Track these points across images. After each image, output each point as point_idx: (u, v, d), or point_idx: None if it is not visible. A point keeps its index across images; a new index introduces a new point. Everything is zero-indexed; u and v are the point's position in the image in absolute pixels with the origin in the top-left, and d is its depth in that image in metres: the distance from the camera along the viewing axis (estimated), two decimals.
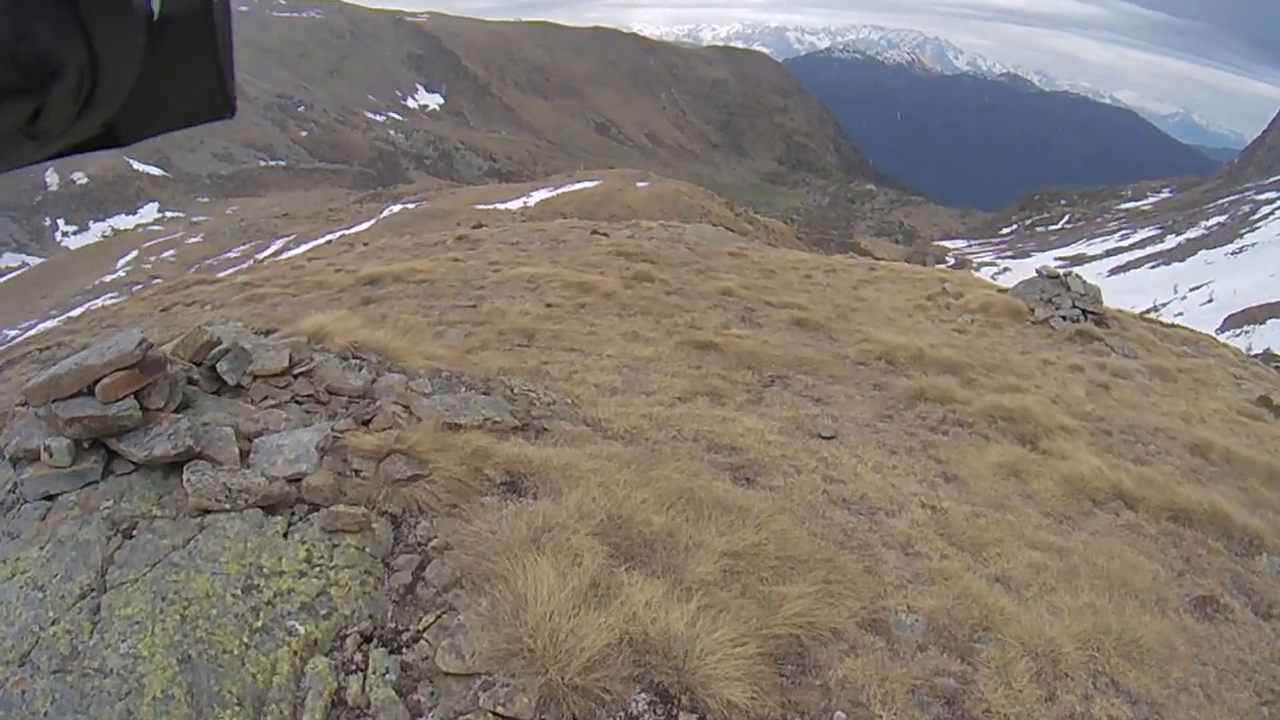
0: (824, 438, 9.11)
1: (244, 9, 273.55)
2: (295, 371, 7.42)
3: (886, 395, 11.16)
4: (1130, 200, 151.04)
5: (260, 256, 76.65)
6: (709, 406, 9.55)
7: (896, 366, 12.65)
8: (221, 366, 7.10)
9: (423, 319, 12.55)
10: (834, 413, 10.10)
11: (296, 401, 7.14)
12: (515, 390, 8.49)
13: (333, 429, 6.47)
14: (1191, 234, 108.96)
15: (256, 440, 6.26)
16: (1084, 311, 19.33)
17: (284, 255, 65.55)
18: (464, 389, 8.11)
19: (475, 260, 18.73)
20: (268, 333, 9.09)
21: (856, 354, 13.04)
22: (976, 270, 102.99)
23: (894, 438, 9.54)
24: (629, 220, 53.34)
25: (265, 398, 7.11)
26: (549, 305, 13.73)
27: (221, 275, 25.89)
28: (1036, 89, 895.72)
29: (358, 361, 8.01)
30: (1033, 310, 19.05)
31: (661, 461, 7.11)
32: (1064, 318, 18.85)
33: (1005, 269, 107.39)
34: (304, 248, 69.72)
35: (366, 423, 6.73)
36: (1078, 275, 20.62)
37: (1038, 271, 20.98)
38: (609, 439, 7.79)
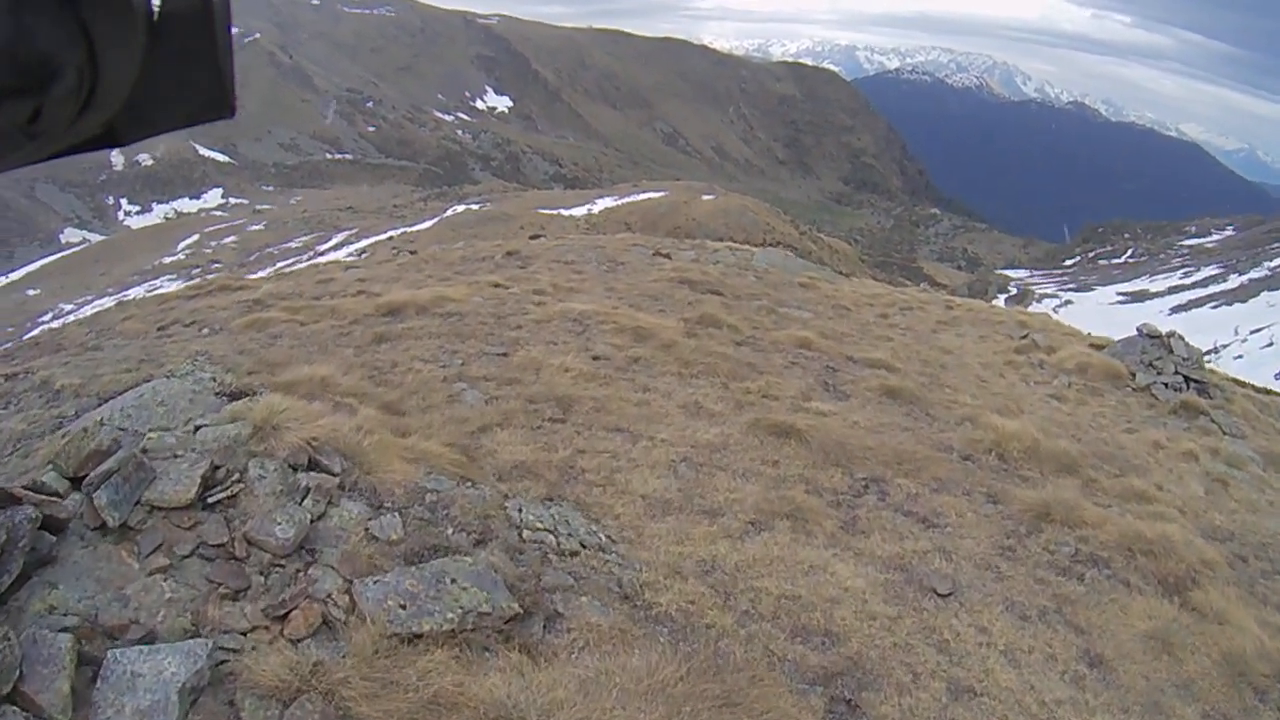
0: (940, 594, 6.95)
1: (315, 3, 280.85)
2: (212, 498, 5.23)
3: (1004, 513, 8.87)
4: (1193, 236, 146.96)
5: (321, 248, 78.11)
6: (791, 538, 7.32)
7: (1009, 463, 10.40)
8: (100, 499, 5.05)
9: (438, 371, 10.39)
10: (947, 544, 7.86)
11: (202, 556, 5.01)
12: (525, 529, 6.24)
13: (217, 646, 4.28)
14: (1255, 274, 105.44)
15: (109, 657, 4.14)
16: (1186, 379, 17.38)
17: (328, 256, 66.06)
18: (450, 530, 5.87)
19: (519, 286, 16.55)
20: (233, 395, 7.23)
21: (961, 443, 10.72)
22: (1038, 301, 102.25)
23: (1022, 590, 7.42)
24: (693, 236, 51.95)
25: (159, 546, 4.95)
26: (595, 358, 11.50)
27: (251, 278, 24.07)
28: (1103, 119, 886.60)
29: (309, 476, 5.79)
30: (1133, 375, 17.19)
31: (727, 677, 4.92)
32: (1166, 385, 16.96)
33: (1068, 301, 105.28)
34: (364, 242, 72.90)
35: (284, 617, 4.49)
36: (1180, 337, 18.68)
37: (1138, 330, 18.95)
38: (653, 625, 5.57)
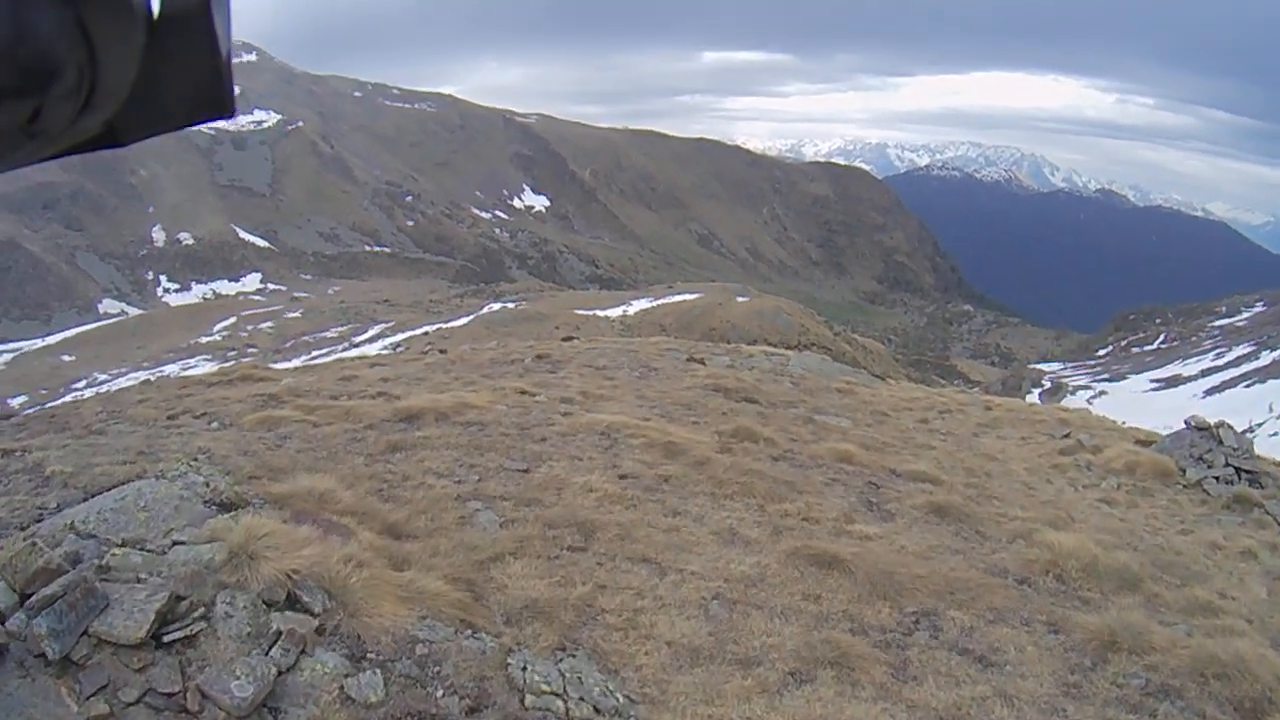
0: None
1: (357, 95, 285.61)
2: (168, 636, 4.50)
3: (1067, 643, 7.98)
4: (1224, 316, 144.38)
5: (356, 339, 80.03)
6: (836, 691, 6.49)
7: (1068, 583, 9.54)
8: (40, 627, 4.33)
9: (452, 487, 9.71)
10: (1008, 686, 6.98)
11: (149, 705, 4.36)
12: (529, 693, 5.47)
13: None
14: None
15: None
16: (1238, 470, 16.65)
17: (363, 348, 67.72)
18: (440, 693, 5.13)
19: (547, 394, 15.95)
20: (223, 505, 6.82)
21: (1016, 564, 9.86)
22: (1072, 394, 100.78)
23: None
24: (727, 338, 51.51)
25: (103, 688, 4.24)
26: (623, 476, 10.76)
27: (276, 368, 23.67)
28: (1131, 204, 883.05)
29: (283, 617, 5.06)
30: (1183, 471, 16.53)
31: None
32: (1217, 478, 16.30)
33: (1101, 392, 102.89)
34: (399, 336, 74.22)
35: None
36: (1228, 426, 18.15)
37: (1186, 423, 18.36)
38: None
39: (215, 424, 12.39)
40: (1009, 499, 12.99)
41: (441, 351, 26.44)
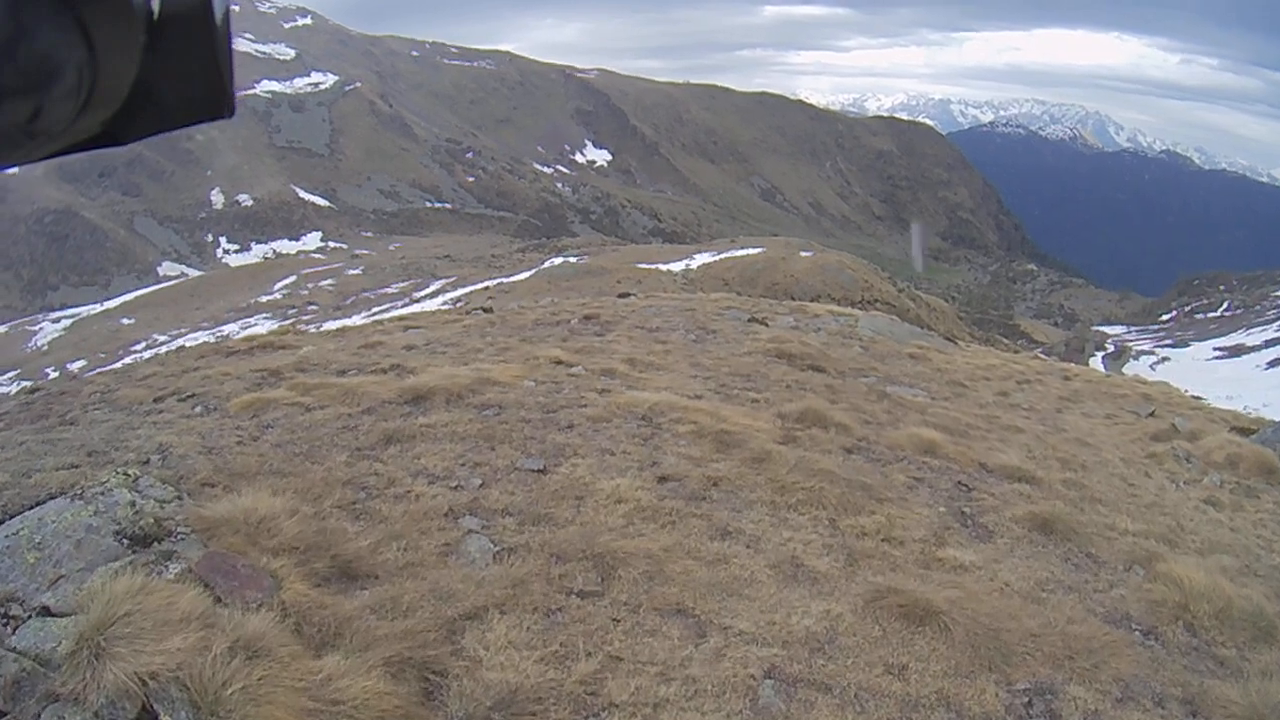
0: None
1: (415, 54, 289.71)
2: None
3: None
4: None
5: (417, 295, 79.58)
6: None
7: (1200, 635, 7.53)
8: None
9: (444, 497, 7.83)
10: None
11: None
12: None
13: None
14: None
15: None
16: None
17: (424, 304, 67.51)
18: None
19: (587, 363, 14.04)
20: (135, 539, 5.42)
21: (1138, 605, 7.83)
22: (1135, 359, 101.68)
23: None
24: (790, 294, 49.78)
25: None
26: (661, 479, 8.77)
27: (329, 326, 22.29)
28: (1196, 166, 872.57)
29: None
30: None
31: None
32: None
33: (1165, 358, 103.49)
34: (460, 291, 73.45)
35: None
36: None
37: None
38: None
39: (199, 408, 10.70)
40: (1112, 501, 11.05)
41: (485, 310, 24.63)
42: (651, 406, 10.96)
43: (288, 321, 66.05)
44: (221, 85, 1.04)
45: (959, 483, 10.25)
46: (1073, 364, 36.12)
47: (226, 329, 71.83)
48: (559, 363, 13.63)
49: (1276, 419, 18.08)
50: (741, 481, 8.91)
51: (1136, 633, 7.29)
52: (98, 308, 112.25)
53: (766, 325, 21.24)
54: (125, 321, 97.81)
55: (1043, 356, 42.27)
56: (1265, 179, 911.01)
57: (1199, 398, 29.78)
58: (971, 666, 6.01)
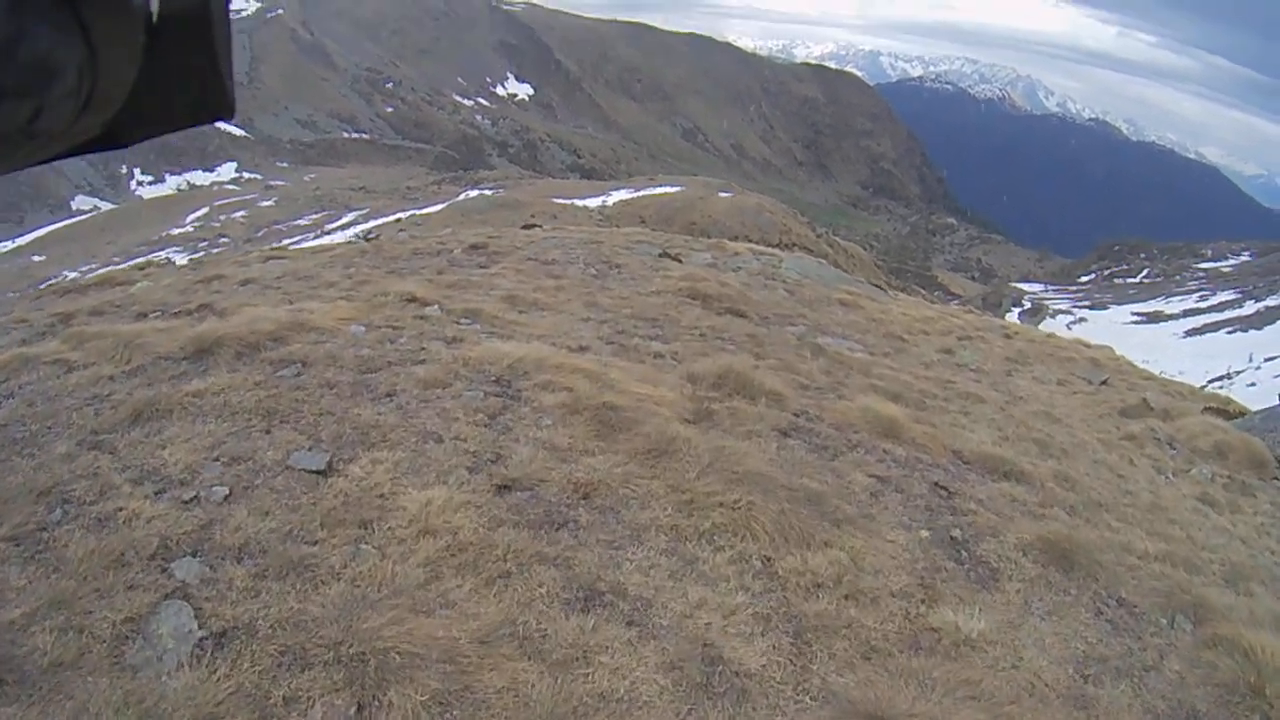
0: None
1: None
2: None
3: None
4: (1210, 260, 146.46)
5: (329, 227, 77.22)
6: None
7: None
8: None
9: (167, 517, 4.97)
10: None
11: None
12: None
13: None
14: (1271, 301, 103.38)
15: None
16: None
17: (335, 235, 64.29)
18: None
19: (449, 302, 10.90)
20: None
21: (1203, 691, 5.58)
22: (1052, 317, 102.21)
23: None
24: (708, 234, 47.78)
25: None
26: (503, 487, 5.73)
27: (144, 272, 19.51)
28: (1124, 137, 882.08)
29: None
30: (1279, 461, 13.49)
31: None
32: None
33: (1082, 319, 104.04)
34: (373, 223, 70.69)
35: None
36: None
37: None
38: None
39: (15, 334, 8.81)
40: (1113, 505, 8.84)
41: (368, 239, 21.97)
42: (513, 364, 7.86)
43: (198, 255, 63.27)
44: (221, 85, 0.99)
45: (936, 484, 7.47)
46: (1013, 321, 34.76)
47: (137, 262, 69.95)
48: (411, 300, 10.55)
49: (1205, 388, 16.95)
50: (628, 491, 5.95)
51: None
52: (9, 244, 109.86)
53: (680, 262, 18.81)
54: (36, 258, 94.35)
55: (976, 311, 40.75)
56: (1193, 155, 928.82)
57: (1145, 366, 28.32)
58: None
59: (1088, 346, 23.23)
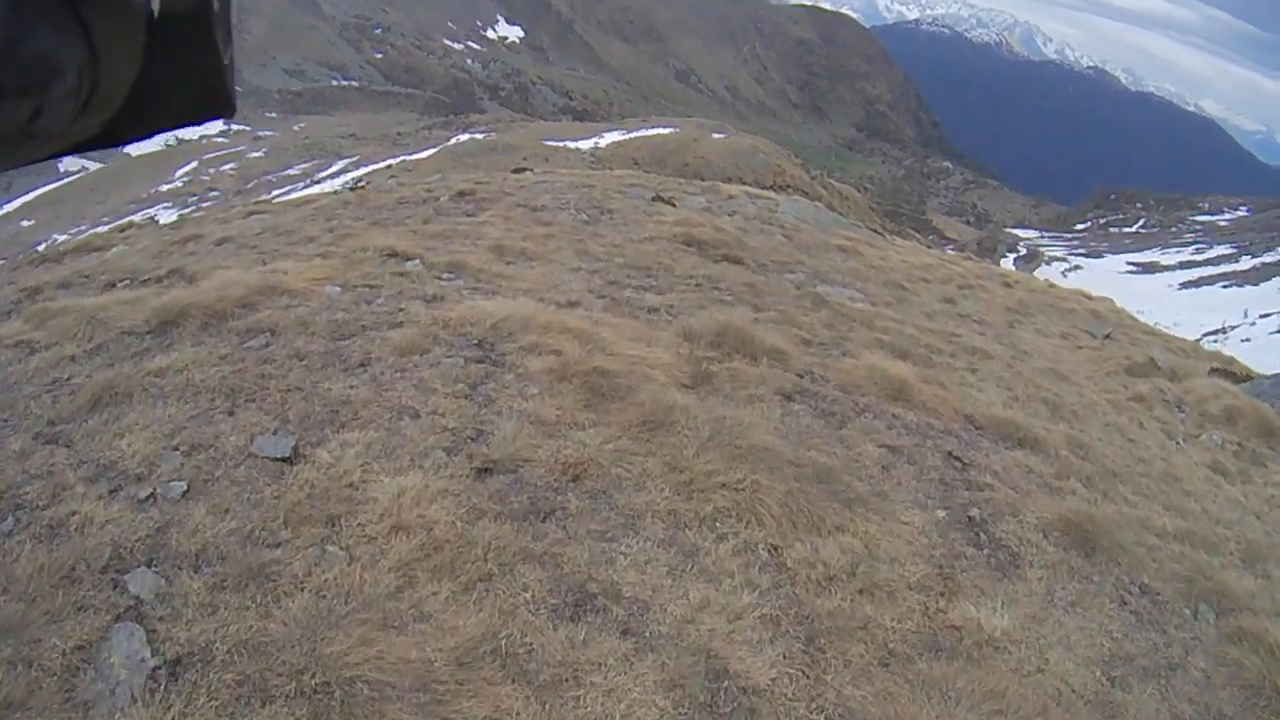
0: None
1: None
2: None
3: None
4: (1206, 213, 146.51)
5: (319, 176, 76.72)
6: None
7: None
8: None
9: (120, 519, 4.64)
10: None
11: None
12: None
13: None
14: (1267, 258, 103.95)
15: None
16: None
17: (325, 184, 63.98)
18: None
19: (432, 255, 10.27)
20: None
21: (1230, 693, 5.33)
22: (1048, 264, 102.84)
23: None
24: (701, 176, 47.14)
25: None
26: (483, 470, 5.21)
27: (124, 234, 19.30)
28: (1122, 86, 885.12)
29: None
30: None
31: None
32: None
33: (1077, 266, 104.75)
34: (363, 170, 71.04)
35: None
36: None
37: None
38: None
39: None
40: (1127, 475, 8.38)
41: (353, 189, 21.18)
42: (497, 324, 7.28)
43: (187, 210, 63.29)
44: (222, 84, 1.01)
45: (949, 454, 7.00)
46: (1010, 268, 34.58)
47: (128, 220, 69.89)
48: (392, 255, 9.97)
49: (1200, 342, 16.78)
50: (622, 471, 5.46)
51: None
52: None
53: (674, 206, 18.13)
54: (25, 224, 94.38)
55: (973, 257, 40.55)
56: (1192, 108, 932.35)
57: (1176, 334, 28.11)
58: None
59: (1089, 298, 22.89)
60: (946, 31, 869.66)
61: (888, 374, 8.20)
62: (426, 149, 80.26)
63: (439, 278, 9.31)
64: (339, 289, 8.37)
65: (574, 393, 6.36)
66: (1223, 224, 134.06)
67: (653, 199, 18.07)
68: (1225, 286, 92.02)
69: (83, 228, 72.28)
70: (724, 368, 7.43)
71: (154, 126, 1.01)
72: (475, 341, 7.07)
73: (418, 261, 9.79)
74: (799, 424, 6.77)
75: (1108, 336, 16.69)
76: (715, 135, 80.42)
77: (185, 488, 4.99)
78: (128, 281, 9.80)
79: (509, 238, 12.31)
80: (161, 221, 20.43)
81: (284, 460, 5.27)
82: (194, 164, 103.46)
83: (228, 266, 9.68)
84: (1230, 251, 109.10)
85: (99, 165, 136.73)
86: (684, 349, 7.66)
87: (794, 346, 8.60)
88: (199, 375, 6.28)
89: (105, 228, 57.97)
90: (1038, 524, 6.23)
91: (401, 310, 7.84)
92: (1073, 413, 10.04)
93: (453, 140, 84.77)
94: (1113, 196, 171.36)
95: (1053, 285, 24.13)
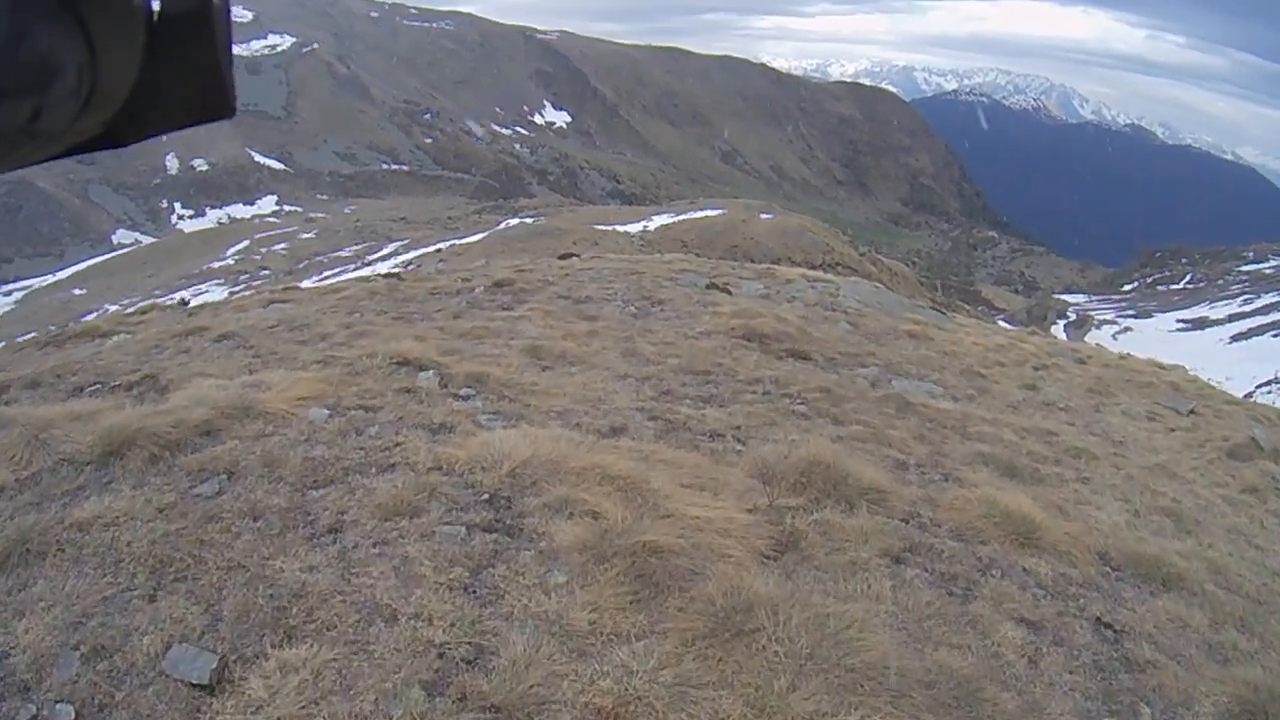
0: None
1: (374, 15, 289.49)
2: None
3: None
4: (1252, 262, 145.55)
5: (371, 258, 78.58)
6: None
7: None
8: None
9: None
10: None
11: None
12: None
13: None
14: None
15: None
16: None
17: (376, 266, 66.20)
18: None
19: (454, 361, 8.82)
20: None
21: None
22: (1097, 328, 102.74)
23: None
24: (751, 256, 46.48)
25: None
26: None
27: (132, 319, 18.24)
28: (1160, 141, 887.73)
29: None
30: None
31: None
32: None
33: (1127, 328, 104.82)
34: (413, 253, 72.88)
35: None
36: None
37: None
38: None
39: None
40: (1272, 602, 6.87)
41: (386, 276, 20.24)
42: (516, 469, 5.63)
43: (237, 288, 64.50)
44: (222, 85, 1.00)
45: (1098, 620, 5.45)
46: (1080, 343, 33.29)
47: (178, 296, 71.03)
48: (404, 362, 8.41)
49: (1254, 395, 15.59)
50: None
51: None
52: (50, 279, 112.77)
53: (729, 293, 17.19)
54: (77, 292, 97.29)
55: (1039, 332, 39.61)
56: (1229, 156, 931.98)
57: (1222, 387, 26.55)
58: None
59: (1163, 368, 21.57)
60: (985, 100, 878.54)
61: (1007, 510, 6.62)
62: (476, 233, 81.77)
63: (454, 395, 7.82)
64: (326, 411, 6.89)
65: (615, 582, 4.63)
66: (1268, 271, 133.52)
67: (706, 286, 17.21)
68: (1275, 335, 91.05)
69: (135, 299, 73.89)
70: (812, 521, 5.77)
71: (154, 127, 0.98)
72: (485, 496, 5.46)
73: (432, 373, 8.31)
74: (917, 602, 5.07)
75: (1192, 411, 15.61)
76: (763, 216, 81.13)
77: (73, 716, 3.64)
78: (96, 386, 8.56)
79: (547, 336, 11.19)
80: (191, 303, 19.50)
81: (201, 688, 3.75)
82: (246, 243, 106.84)
83: (210, 373, 8.43)
84: (1278, 299, 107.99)
85: (153, 239, 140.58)
86: (760, 498, 5.97)
87: (890, 477, 7.10)
88: (127, 536, 4.87)
89: (133, 307, 58.34)
90: (1215, 714, 4.81)
91: (398, 445, 6.25)
92: (1195, 521, 8.80)
93: (502, 225, 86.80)
94: (1158, 254, 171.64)
95: (1125, 357, 22.97)
